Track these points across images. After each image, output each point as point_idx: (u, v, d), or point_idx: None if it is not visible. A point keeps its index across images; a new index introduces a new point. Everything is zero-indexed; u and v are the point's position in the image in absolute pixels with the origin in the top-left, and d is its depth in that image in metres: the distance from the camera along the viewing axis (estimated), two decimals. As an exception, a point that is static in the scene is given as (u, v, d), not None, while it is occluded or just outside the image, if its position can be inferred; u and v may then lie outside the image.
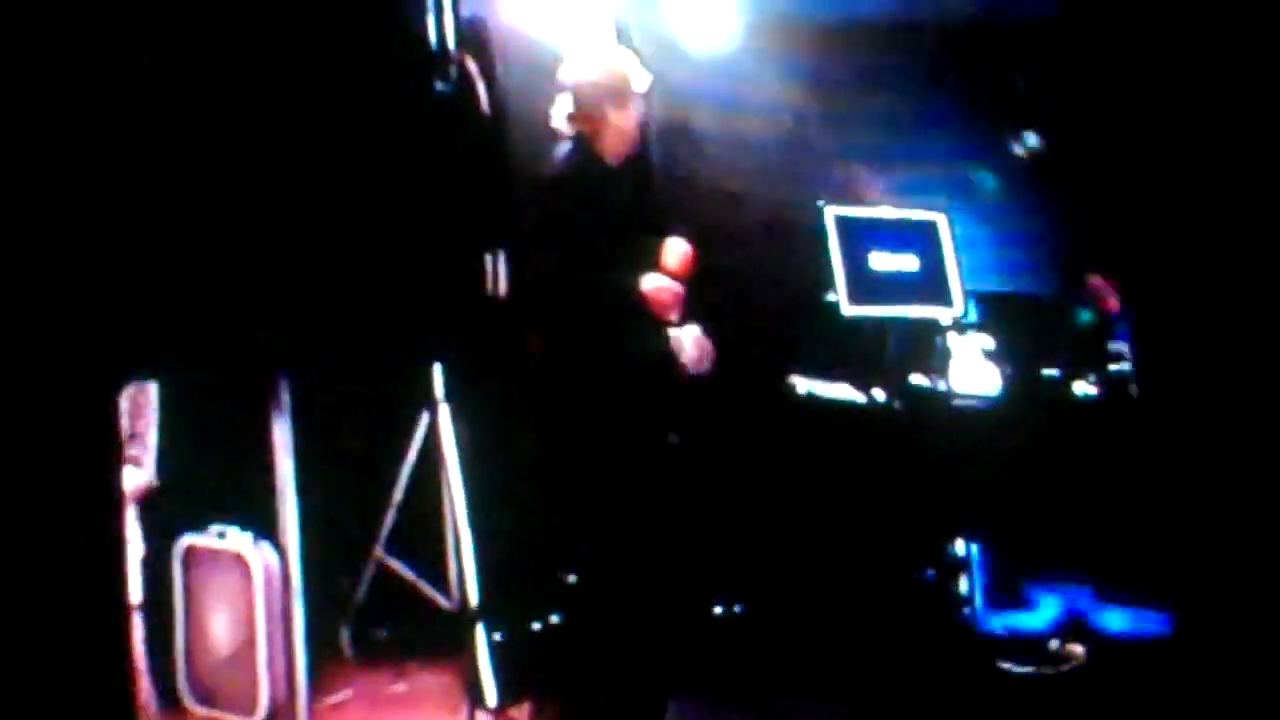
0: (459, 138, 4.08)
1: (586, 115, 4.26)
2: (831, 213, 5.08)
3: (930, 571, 4.74)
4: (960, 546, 4.83)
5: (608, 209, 4.23)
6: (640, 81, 4.37)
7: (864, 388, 4.91)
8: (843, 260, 5.04)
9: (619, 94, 4.29)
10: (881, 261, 5.13)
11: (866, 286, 5.04)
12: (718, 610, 4.36)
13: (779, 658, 4.31)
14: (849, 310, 4.95)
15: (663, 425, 4.25)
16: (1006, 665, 4.41)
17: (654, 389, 4.21)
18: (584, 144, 4.26)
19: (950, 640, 4.55)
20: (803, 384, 4.91)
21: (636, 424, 4.11)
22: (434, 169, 4.06)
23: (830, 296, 4.90)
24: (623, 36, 5.33)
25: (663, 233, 4.36)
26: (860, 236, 5.15)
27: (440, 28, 4.14)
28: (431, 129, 4.06)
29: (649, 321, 4.19)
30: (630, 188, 4.39)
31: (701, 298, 4.91)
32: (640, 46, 5.31)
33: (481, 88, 4.30)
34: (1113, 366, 5.05)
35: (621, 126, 4.28)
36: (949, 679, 4.29)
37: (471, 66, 4.27)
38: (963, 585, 4.79)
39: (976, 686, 4.30)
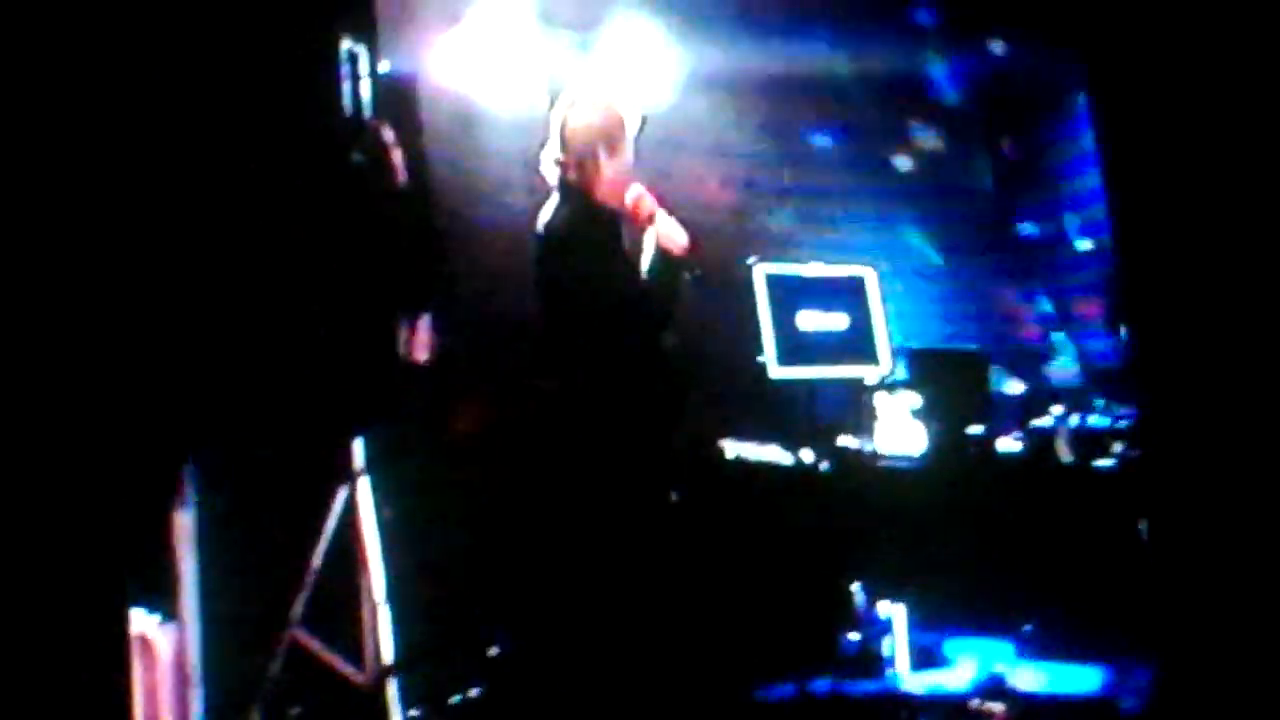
0: (374, 207, 4.05)
1: (579, 161, 4.01)
2: (761, 271, 5.11)
3: (853, 632, 4.75)
4: (884, 607, 4.85)
5: (611, 262, 3.98)
6: (634, 123, 4.12)
7: (792, 449, 4.92)
8: (772, 320, 5.08)
9: (612, 138, 4.03)
10: (810, 320, 5.16)
11: (795, 347, 5.06)
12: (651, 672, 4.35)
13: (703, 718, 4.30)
14: (777, 372, 4.98)
15: (666, 487, 4.15)
16: (928, 726, 4.42)
17: (664, 452, 4.09)
18: (576, 193, 4.02)
19: (872, 701, 4.56)
20: (732, 447, 4.91)
21: (644, 486, 4.03)
22: (348, 240, 4.05)
23: (760, 359, 4.92)
24: (554, 92, 5.35)
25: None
26: (789, 295, 5.18)
27: (357, 97, 4.12)
28: (345, 201, 4.06)
29: (665, 379, 4.05)
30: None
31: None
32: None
33: (398, 155, 4.24)
34: (1035, 423, 5.11)
35: (616, 172, 4.02)
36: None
37: (388, 134, 4.22)
38: (885, 646, 4.81)
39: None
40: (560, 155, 4.05)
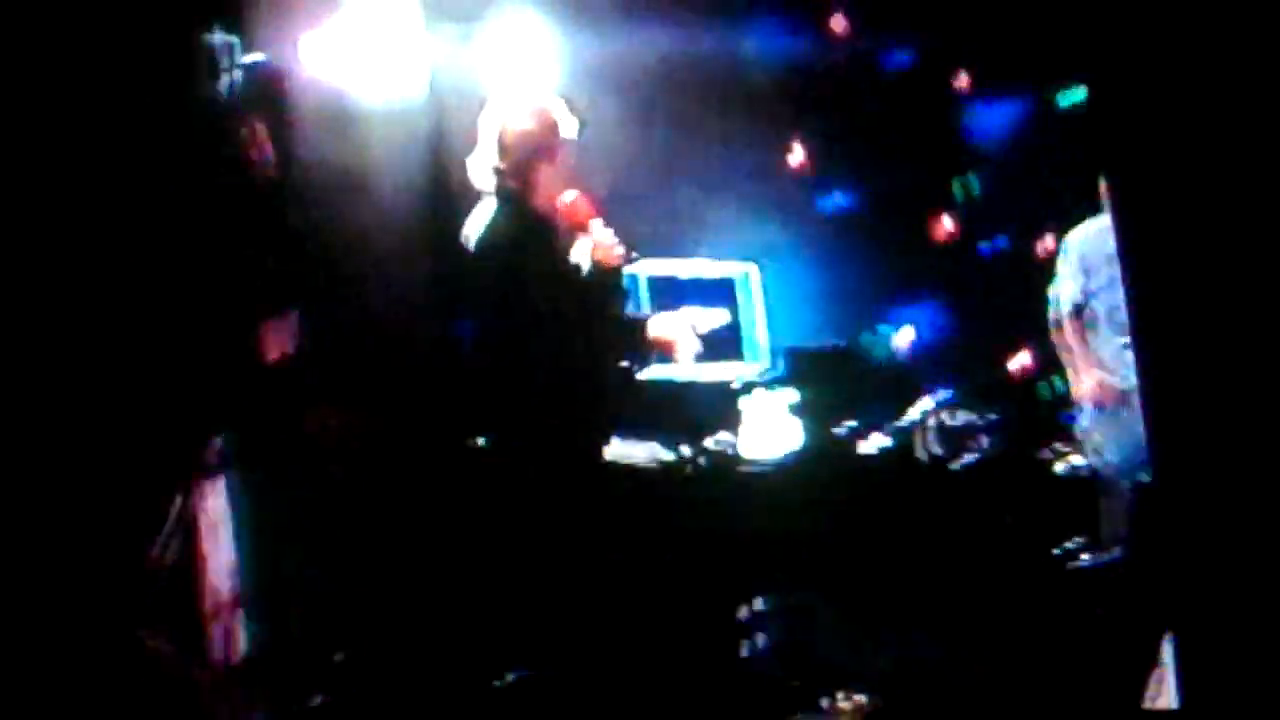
0: (240, 202, 4.00)
1: (515, 169, 3.92)
2: (640, 268, 5.12)
3: (726, 631, 4.79)
4: (757, 604, 4.89)
5: (553, 271, 3.91)
6: (570, 128, 4.04)
7: (669, 448, 4.94)
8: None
9: (551, 144, 3.96)
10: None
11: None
12: (509, 678, 4.35)
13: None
14: (655, 371, 4.99)
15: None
16: (794, 720, 4.48)
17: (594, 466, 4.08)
18: (514, 201, 3.92)
19: (743, 697, 4.61)
20: (609, 447, 4.91)
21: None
22: (211, 235, 4.00)
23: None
24: (433, 86, 5.30)
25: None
26: (669, 293, 5.19)
27: (226, 89, 4.07)
28: (210, 195, 4.00)
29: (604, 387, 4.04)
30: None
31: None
32: (449, 96, 5.31)
33: (267, 149, 4.18)
34: (903, 421, 5.19)
35: (554, 179, 3.95)
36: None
37: (258, 128, 4.16)
38: (759, 642, 4.86)
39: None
40: (498, 162, 3.94)
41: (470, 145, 5.02)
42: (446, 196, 5.16)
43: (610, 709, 4.31)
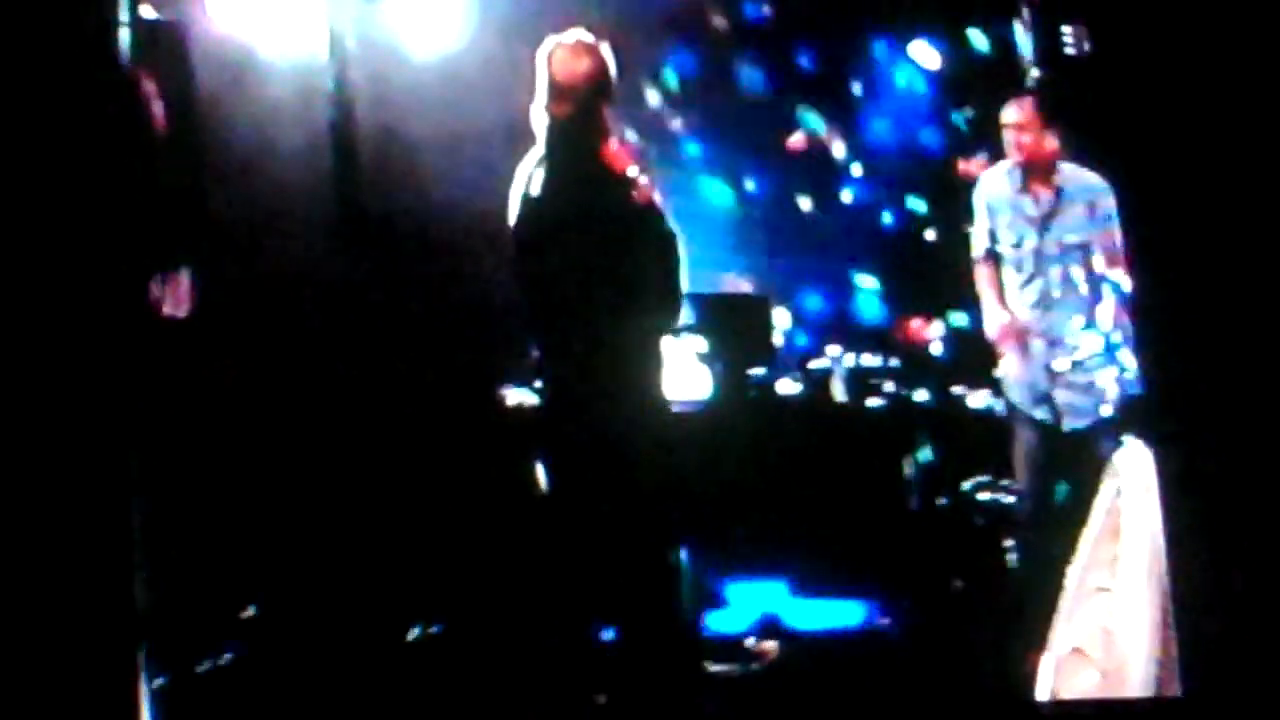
0: (130, 158, 3.94)
1: (578, 109, 3.68)
2: (549, 220, 5.11)
3: (640, 576, 4.82)
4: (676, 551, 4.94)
5: (626, 214, 3.70)
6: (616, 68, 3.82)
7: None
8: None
9: (608, 83, 3.76)
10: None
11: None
12: (415, 632, 4.37)
13: (485, 678, 4.33)
14: (563, 319, 5.00)
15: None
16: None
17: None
18: (585, 147, 3.68)
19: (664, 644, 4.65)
20: (513, 395, 4.93)
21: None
22: (101, 191, 3.94)
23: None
24: (336, 40, 5.27)
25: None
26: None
27: (114, 44, 4.00)
28: (98, 151, 3.94)
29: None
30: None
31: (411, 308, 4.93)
32: (356, 50, 5.28)
33: (158, 107, 4.13)
34: (814, 365, 5.24)
35: (611, 120, 3.75)
36: (651, 680, 4.39)
37: (148, 84, 4.10)
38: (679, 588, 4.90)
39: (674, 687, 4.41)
40: (558, 104, 3.71)
41: (372, 98, 5.04)
42: (349, 150, 5.16)
43: (526, 662, 4.36)
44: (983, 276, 4.90)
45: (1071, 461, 4.47)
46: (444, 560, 4.47)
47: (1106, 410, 4.45)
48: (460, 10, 5.47)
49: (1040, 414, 4.60)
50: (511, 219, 3.79)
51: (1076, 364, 4.51)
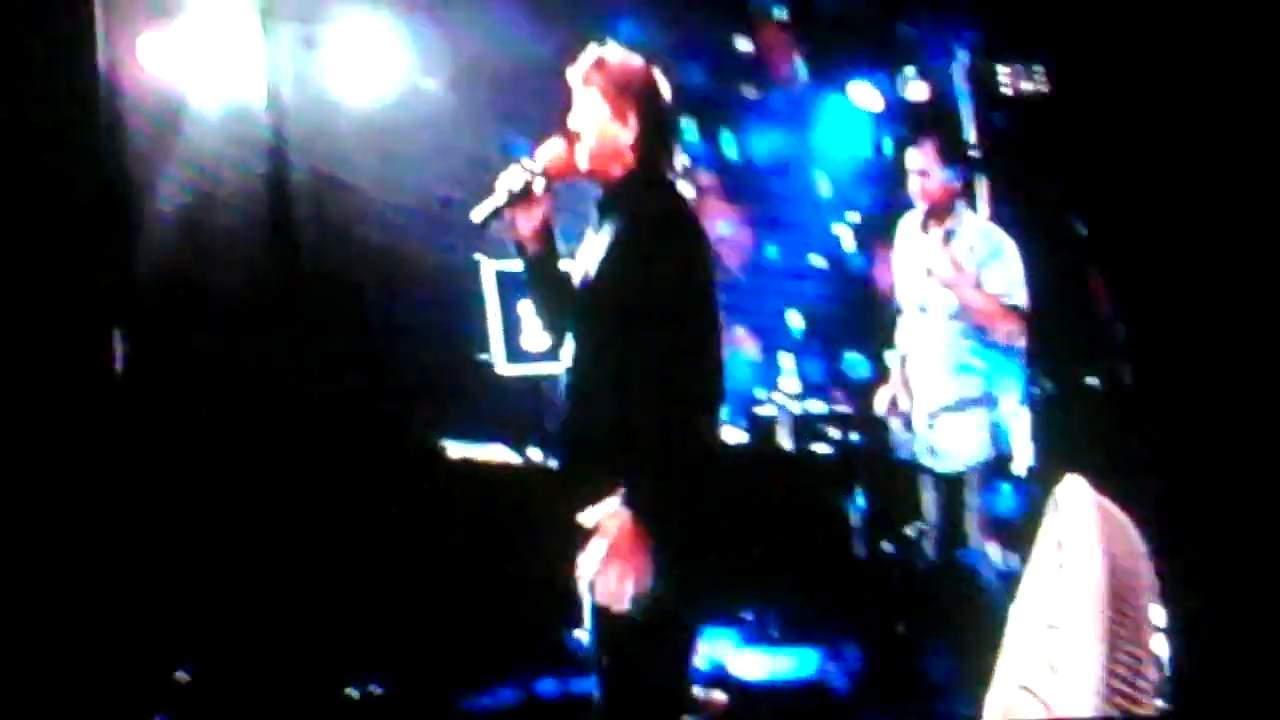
0: (66, 211, 3.87)
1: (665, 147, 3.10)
2: (489, 267, 5.06)
3: (580, 630, 4.76)
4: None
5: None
6: None
7: (519, 449, 4.90)
8: (501, 316, 5.04)
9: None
10: (540, 316, 5.13)
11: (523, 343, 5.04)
12: (353, 692, 4.26)
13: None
14: (504, 369, 4.95)
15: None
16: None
17: None
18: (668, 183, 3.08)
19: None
20: (455, 448, 4.86)
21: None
22: (37, 247, 3.87)
23: (483, 356, 4.88)
24: (272, 92, 5.19)
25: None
26: (519, 290, 5.14)
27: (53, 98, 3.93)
28: (36, 204, 3.87)
29: None
30: None
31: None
32: (293, 100, 5.21)
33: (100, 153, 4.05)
34: (758, 412, 5.22)
35: None
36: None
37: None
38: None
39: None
40: (654, 139, 3.04)
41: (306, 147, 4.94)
42: (284, 199, 5.08)
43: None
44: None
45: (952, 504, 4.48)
46: (384, 617, 4.38)
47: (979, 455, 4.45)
48: (397, 57, 5.44)
49: (923, 458, 4.61)
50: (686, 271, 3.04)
51: (946, 408, 4.52)
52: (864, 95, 6.08)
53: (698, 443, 3.01)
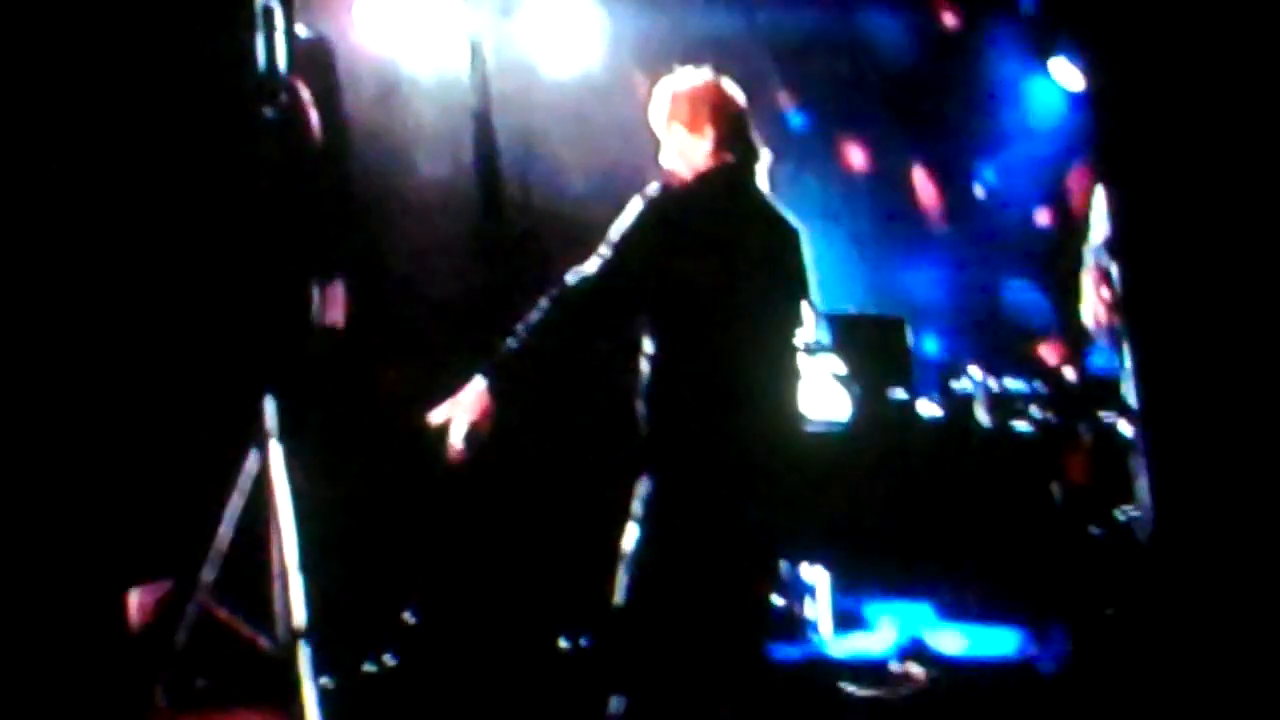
0: (287, 165, 3.98)
1: (754, 145, 3.51)
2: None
3: (778, 597, 4.76)
4: (807, 571, 4.86)
5: None
6: None
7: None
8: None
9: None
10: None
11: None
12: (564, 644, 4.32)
13: (629, 690, 4.28)
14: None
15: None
16: (849, 689, 4.43)
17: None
18: (756, 179, 3.51)
19: (796, 665, 4.57)
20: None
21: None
22: (260, 198, 3.99)
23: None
24: (476, 58, 5.28)
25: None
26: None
27: (271, 52, 4.04)
28: (255, 156, 3.99)
29: None
30: None
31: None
32: (494, 68, 5.30)
33: (313, 114, 4.17)
34: (955, 387, 5.14)
35: None
36: (793, 703, 4.31)
37: (304, 91, 4.14)
38: (808, 610, 4.83)
39: (819, 711, 4.33)
40: (738, 140, 3.46)
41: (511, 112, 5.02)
42: (491, 166, 5.17)
43: (668, 675, 4.29)
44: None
45: None
46: (596, 572, 4.43)
47: None
48: (594, 26, 5.48)
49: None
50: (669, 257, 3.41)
51: None
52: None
53: None
